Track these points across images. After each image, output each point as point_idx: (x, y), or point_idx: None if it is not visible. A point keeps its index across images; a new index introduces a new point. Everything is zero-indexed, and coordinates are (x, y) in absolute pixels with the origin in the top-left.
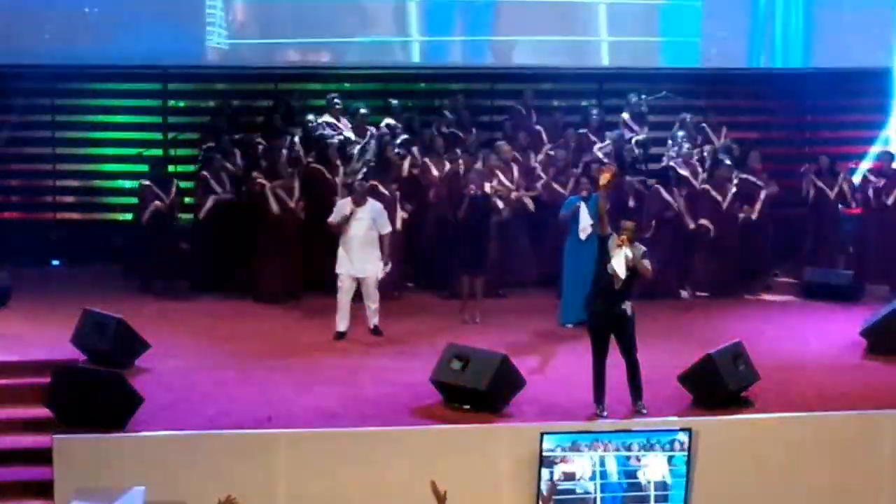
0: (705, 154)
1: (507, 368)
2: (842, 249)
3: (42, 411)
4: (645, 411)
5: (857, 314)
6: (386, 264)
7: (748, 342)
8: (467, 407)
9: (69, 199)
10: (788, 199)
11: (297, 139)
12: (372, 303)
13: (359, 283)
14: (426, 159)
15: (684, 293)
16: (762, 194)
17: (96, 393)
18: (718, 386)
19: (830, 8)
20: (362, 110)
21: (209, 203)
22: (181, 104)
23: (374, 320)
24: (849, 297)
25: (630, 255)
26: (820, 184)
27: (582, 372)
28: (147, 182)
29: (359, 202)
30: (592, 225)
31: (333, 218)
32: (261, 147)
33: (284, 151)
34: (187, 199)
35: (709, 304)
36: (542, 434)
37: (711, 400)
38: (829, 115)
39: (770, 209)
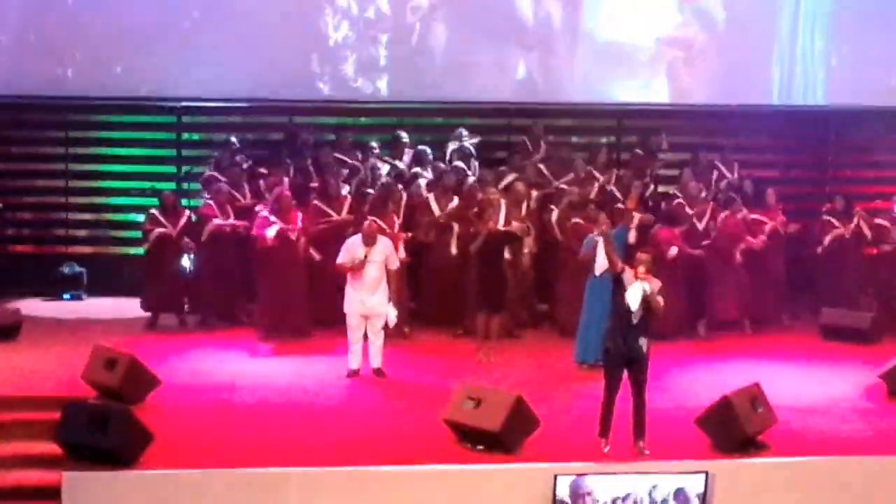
0: (719, 194)
1: (521, 409)
2: (862, 291)
3: (51, 447)
4: (647, 452)
5: (877, 357)
6: (390, 301)
7: (766, 384)
8: (481, 447)
9: (81, 232)
10: (808, 239)
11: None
12: (377, 340)
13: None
14: (430, 195)
15: (700, 328)
16: (766, 227)
17: (106, 429)
18: (736, 429)
19: (854, 45)
20: (373, 143)
21: (209, 228)
22: (195, 137)
23: (377, 360)
24: (868, 339)
25: (648, 289)
26: (836, 224)
27: (597, 412)
28: (153, 211)
29: (369, 242)
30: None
31: (344, 259)
32: (262, 181)
33: (286, 179)
34: None
35: (725, 345)
36: (555, 476)
37: (729, 443)
38: (852, 155)
39: (786, 247)
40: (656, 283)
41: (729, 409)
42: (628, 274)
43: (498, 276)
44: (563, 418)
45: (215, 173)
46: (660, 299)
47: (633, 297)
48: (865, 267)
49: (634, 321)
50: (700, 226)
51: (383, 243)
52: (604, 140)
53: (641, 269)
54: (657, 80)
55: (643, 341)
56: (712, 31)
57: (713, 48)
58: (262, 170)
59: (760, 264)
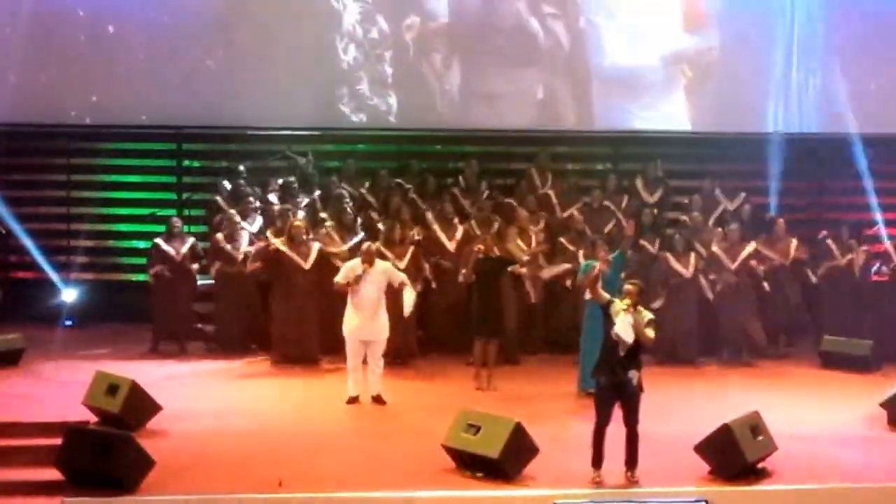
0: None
1: (520, 435)
2: (863, 318)
3: (53, 473)
4: (636, 481)
5: (877, 384)
6: (411, 295)
7: (765, 411)
8: (480, 474)
9: (83, 258)
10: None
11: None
12: (376, 367)
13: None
14: (436, 227)
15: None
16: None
17: (107, 455)
18: (736, 456)
19: (851, 73)
20: (382, 172)
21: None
22: (196, 164)
23: (376, 388)
24: (868, 366)
25: (631, 320)
26: (835, 251)
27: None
28: (157, 240)
29: (367, 262)
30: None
31: (340, 278)
32: (277, 208)
33: (301, 213)
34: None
35: (725, 372)
36: (555, 503)
37: (728, 470)
38: (850, 181)
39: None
40: (644, 315)
41: (729, 437)
42: (616, 306)
43: (494, 302)
44: (562, 445)
45: (222, 203)
46: (649, 332)
47: (625, 329)
48: (865, 294)
49: (622, 353)
50: (703, 253)
51: (383, 266)
52: (599, 167)
53: (627, 301)
54: (654, 108)
55: (633, 373)
56: (709, 61)
57: (710, 77)
58: (272, 199)
59: (769, 293)
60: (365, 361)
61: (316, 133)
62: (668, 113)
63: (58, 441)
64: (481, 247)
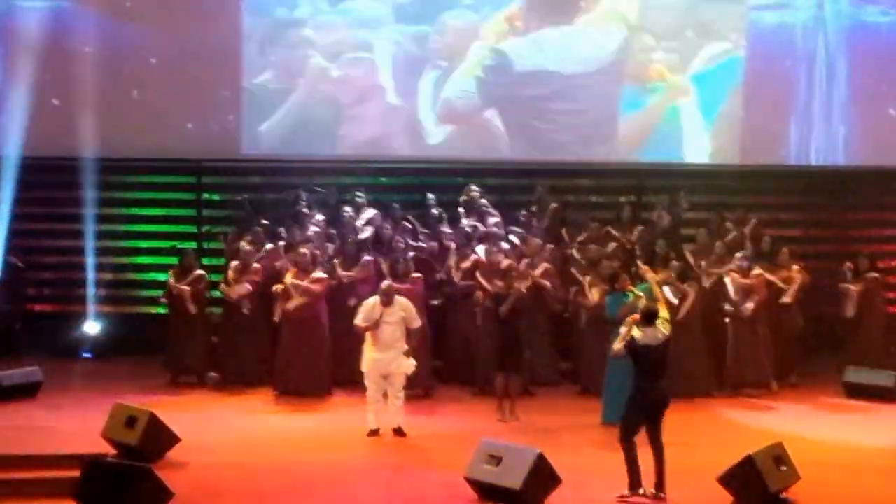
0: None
1: (542, 465)
2: (889, 350)
3: None
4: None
5: None
6: (409, 356)
7: (789, 442)
8: None
9: (101, 291)
10: (831, 298)
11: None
12: (396, 400)
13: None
14: (453, 259)
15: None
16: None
17: (126, 487)
18: (759, 487)
19: (873, 105)
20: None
21: (242, 291)
22: (216, 197)
23: (398, 420)
24: (892, 397)
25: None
26: (851, 287)
27: (618, 470)
28: (170, 278)
29: (386, 303)
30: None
31: (360, 320)
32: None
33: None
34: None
35: (748, 403)
36: None
37: (752, 501)
38: (874, 214)
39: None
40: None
41: (752, 468)
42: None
43: (518, 336)
44: (584, 475)
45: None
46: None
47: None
48: (889, 325)
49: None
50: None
51: (400, 304)
52: (623, 199)
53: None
54: (678, 141)
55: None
56: (733, 93)
57: (734, 110)
58: (281, 230)
59: (776, 322)
60: (385, 395)
61: (336, 165)
62: (690, 145)
63: (76, 473)
64: (522, 288)
